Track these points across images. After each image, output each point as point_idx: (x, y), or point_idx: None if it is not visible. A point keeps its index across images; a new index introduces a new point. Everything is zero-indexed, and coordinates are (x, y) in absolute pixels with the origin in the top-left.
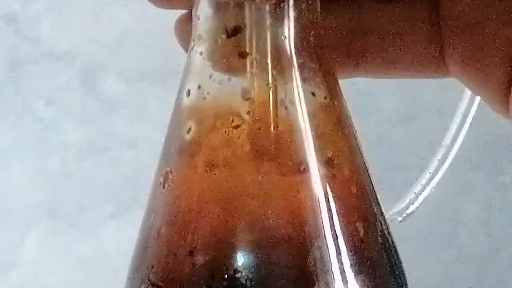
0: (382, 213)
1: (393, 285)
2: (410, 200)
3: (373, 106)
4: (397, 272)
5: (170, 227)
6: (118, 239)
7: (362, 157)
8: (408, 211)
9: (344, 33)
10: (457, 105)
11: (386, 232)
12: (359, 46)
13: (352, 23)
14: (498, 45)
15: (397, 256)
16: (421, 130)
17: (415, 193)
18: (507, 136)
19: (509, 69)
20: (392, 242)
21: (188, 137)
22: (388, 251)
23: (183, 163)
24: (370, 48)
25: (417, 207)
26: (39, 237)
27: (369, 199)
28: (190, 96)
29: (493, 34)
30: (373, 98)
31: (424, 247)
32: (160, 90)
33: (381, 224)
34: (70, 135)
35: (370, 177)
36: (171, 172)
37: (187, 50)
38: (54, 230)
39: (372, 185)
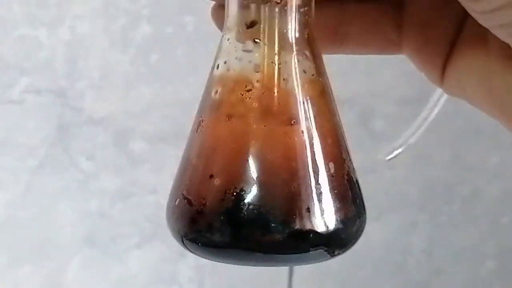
0: (350, 159)
1: (352, 208)
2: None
3: None
4: (357, 201)
5: (199, 158)
6: (142, 264)
7: (338, 118)
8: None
9: (334, 23)
10: None
11: (351, 173)
12: (343, 32)
13: (339, 17)
14: (440, 29)
15: (359, 190)
16: None
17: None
18: (445, 182)
19: (447, 48)
20: (356, 180)
21: (215, 97)
22: (352, 185)
23: (210, 115)
24: (351, 33)
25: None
26: (80, 263)
27: (340, 148)
28: (219, 69)
29: (438, 24)
30: None
31: (379, 273)
32: (175, 149)
33: (348, 166)
34: (105, 184)
35: (343, 134)
36: (203, 121)
37: (221, 28)
38: (92, 257)
39: (344, 139)
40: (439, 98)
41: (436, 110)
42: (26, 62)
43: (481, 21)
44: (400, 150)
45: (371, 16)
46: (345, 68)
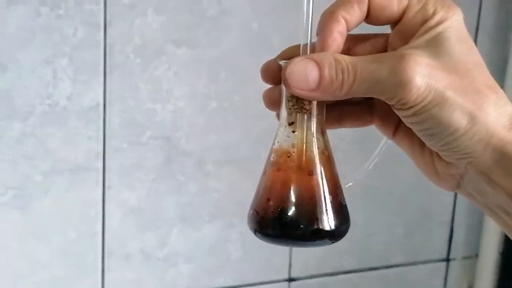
0: (342, 192)
1: (342, 218)
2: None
3: None
4: (345, 215)
5: (263, 190)
6: (214, 232)
7: (336, 170)
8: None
9: (337, 117)
10: None
11: (342, 200)
12: (342, 121)
13: (340, 115)
14: (391, 117)
15: (346, 209)
16: None
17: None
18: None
19: (394, 127)
20: (345, 203)
21: (272, 160)
22: (342, 206)
23: (269, 168)
24: (347, 121)
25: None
26: (178, 232)
27: (336, 186)
28: (274, 145)
29: (390, 114)
30: None
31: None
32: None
33: (340, 197)
34: (192, 188)
35: (338, 178)
36: (266, 171)
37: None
38: (185, 229)
39: (338, 181)
40: (379, 151)
41: (376, 159)
42: (149, 122)
43: (403, 120)
44: (352, 182)
45: (357, 111)
46: None
